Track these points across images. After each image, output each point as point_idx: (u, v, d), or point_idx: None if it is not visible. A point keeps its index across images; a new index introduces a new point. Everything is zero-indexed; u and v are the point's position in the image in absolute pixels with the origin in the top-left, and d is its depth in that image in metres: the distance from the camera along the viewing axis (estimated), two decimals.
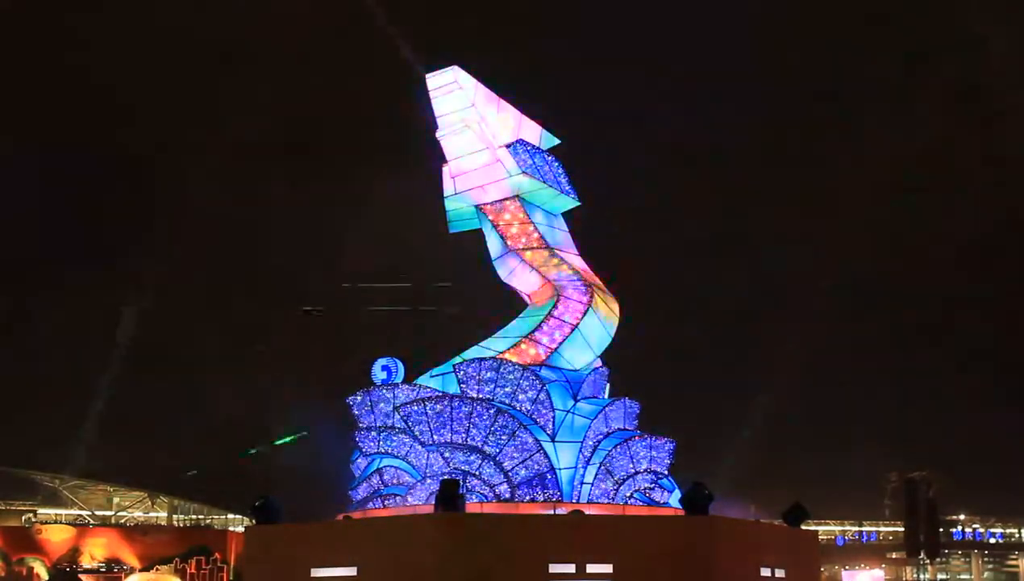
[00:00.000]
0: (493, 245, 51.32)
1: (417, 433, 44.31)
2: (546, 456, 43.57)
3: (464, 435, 43.52)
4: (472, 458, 43.29)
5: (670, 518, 43.09)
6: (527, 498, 43.01)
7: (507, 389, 44.98)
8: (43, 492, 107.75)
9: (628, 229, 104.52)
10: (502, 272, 51.31)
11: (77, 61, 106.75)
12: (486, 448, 43.36)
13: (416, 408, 44.48)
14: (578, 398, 46.47)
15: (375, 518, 43.56)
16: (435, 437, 43.93)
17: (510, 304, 52.05)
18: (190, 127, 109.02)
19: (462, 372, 45.80)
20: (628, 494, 44.77)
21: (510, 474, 43.17)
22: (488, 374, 45.29)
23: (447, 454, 43.43)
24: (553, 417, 44.94)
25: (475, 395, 44.91)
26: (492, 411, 43.66)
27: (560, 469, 43.96)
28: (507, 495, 42.82)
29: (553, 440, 44.50)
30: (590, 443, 44.91)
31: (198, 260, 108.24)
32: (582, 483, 44.32)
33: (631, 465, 45.04)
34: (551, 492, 43.26)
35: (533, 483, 43.23)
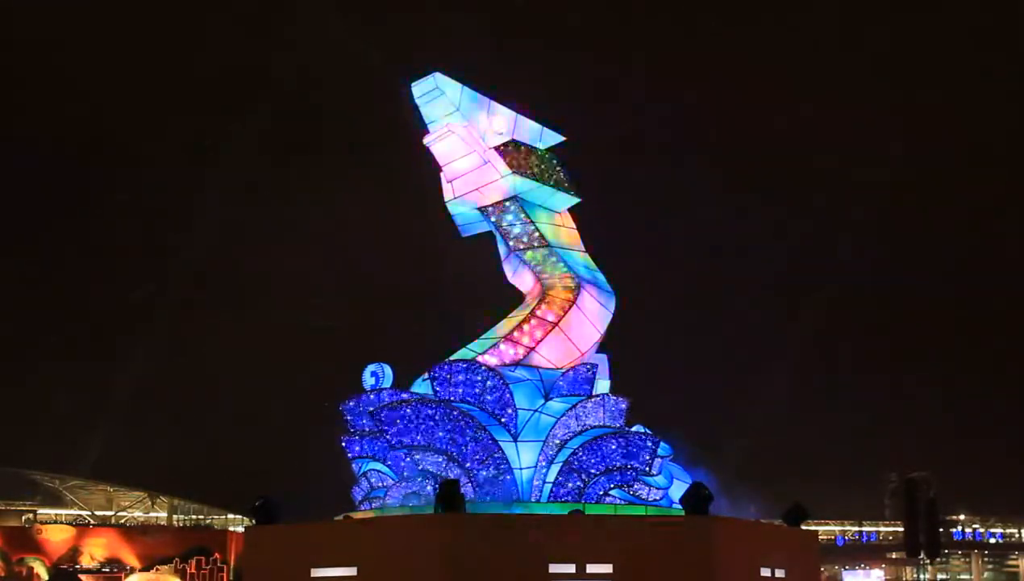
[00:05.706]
0: (501, 246, 51.45)
1: (389, 437, 44.46)
2: (505, 456, 43.56)
3: (430, 437, 43.71)
4: (439, 459, 43.48)
5: (670, 518, 42.95)
6: (487, 498, 43.03)
7: (475, 390, 45.04)
8: (43, 492, 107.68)
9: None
10: (508, 273, 51.42)
11: None
12: (449, 449, 43.53)
13: (388, 412, 44.63)
14: (551, 397, 46.28)
15: (375, 518, 43.56)
16: (404, 440, 44.09)
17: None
18: None
19: (436, 375, 45.89)
20: (602, 492, 44.23)
21: (472, 474, 43.27)
22: (460, 376, 45.39)
23: (416, 456, 43.60)
24: (515, 417, 44.86)
25: (448, 398, 44.97)
26: (456, 413, 43.79)
27: (520, 469, 43.93)
28: (471, 495, 42.72)
29: (515, 440, 44.45)
30: (555, 442, 44.70)
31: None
32: (544, 482, 44.19)
33: (602, 463, 44.44)
34: (508, 491, 43.21)
35: (493, 482, 43.31)
